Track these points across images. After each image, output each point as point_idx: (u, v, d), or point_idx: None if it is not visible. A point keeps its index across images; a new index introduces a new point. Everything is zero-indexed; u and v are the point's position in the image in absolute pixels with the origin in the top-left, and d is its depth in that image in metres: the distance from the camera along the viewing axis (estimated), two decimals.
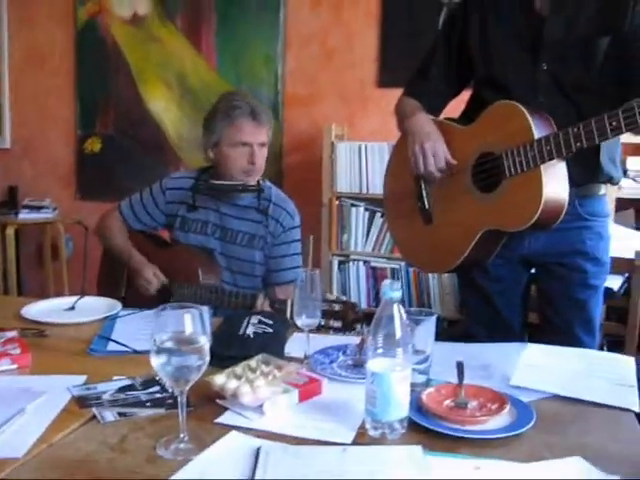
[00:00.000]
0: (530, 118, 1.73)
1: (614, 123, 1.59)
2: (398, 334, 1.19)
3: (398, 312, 1.19)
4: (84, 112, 4.33)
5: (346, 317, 1.84)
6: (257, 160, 2.26)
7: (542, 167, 1.71)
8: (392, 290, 1.19)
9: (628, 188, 3.26)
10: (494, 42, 1.91)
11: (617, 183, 1.98)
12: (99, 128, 4.30)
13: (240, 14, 3.99)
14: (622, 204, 3.34)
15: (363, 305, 3.66)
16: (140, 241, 2.42)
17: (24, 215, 4.18)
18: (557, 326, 1.98)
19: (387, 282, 1.20)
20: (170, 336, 1.10)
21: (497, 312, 2.04)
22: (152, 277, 2.28)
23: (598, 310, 1.99)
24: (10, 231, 4.08)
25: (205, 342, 1.11)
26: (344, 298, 1.89)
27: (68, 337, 1.75)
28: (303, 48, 3.96)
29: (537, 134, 1.72)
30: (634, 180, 3.32)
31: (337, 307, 1.83)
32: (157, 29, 4.14)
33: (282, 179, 3.90)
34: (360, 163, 3.57)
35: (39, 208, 4.24)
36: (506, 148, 1.77)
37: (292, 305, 1.90)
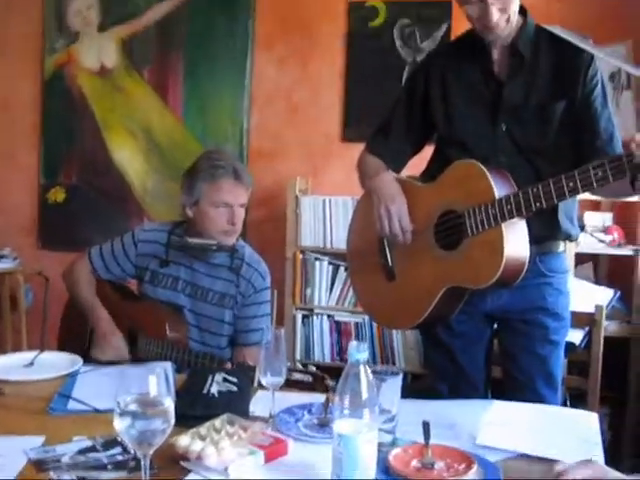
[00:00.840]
0: (490, 177, 1.78)
1: (571, 184, 1.64)
2: (365, 395, 1.19)
3: (364, 374, 1.19)
4: (48, 161, 4.28)
5: (316, 389, 1.81)
6: (237, 221, 2.25)
7: (503, 225, 1.75)
8: (358, 352, 1.20)
9: (586, 243, 3.33)
10: (455, 102, 1.97)
11: (575, 240, 2.04)
12: (63, 178, 4.26)
13: (207, 68, 4.03)
14: (581, 258, 3.41)
15: (327, 359, 3.64)
16: (107, 291, 2.38)
17: None
18: (519, 381, 2.00)
19: (354, 344, 1.20)
20: (134, 398, 1.09)
21: (460, 368, 2.06)
22: (112, 349, 2.21)
23: (559, 365, 2.03)
24: None
25: (170, 404, 1.09)
26: (313, 369, 1.88)
27: (26, 395, 1.71)
28: (268, 103, 4.00)
29: (498, 193, 1.76)
30: (591, 235, 3.40)
31: (306, 379, 1.83)
32: (124, 80, 4.16)
33: (246, 233, 3.88)
34: (324, 217, 3.59)
35: None
36: (468, 207, 1.80)
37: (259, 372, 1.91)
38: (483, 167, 1.79)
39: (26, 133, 4.34)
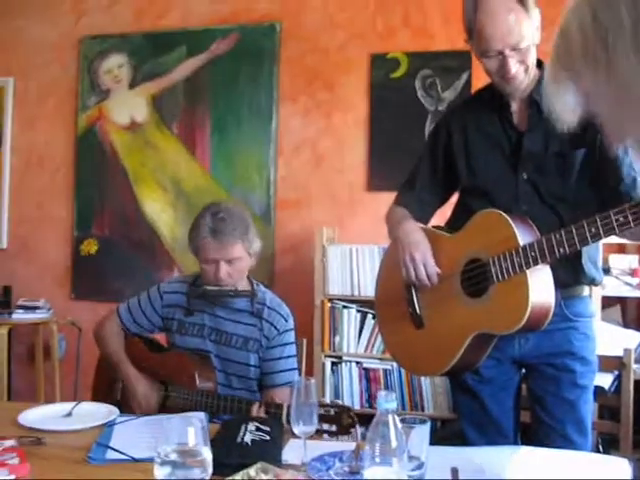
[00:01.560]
0: (514, 226, 1.82)
1: (593, 230, 1.68)
2: (394, 443, 1.22)
3: (393, 422, 1.23)
4: (81, 214, 4.41)
5: (341, 421, 1.86)
6: (221, 276, 2.28)
7: (528, 272, 1.79)
8: (387, 402, 1.24)
9: (613, 286, 3.34)
10: (476, 153, 2.03)
11: (599, 284, 2.06)
12: (95, 230, 4.38)
13: (234, 121, 4.16)
14: (607, 302, 3.41)
15: (356, 406, 3.64)
16: (137, 345, 2.45)
17: (18, 315, 4.18)
18: (549, 426, 2.00)
19: (382, 394, 1.24)
20: (174, 448, 1.13)
21: (489, 414, 2.07)
22: (145, 402, 2.29)
23: (588, 410, 2.03)
24: (3, 331, 4.08)
25: (208, 454, 1.14)
26: (339, 402, 1.92)
27: (66, 445, 1.76)
28: (294, 154, 4.11)
29: (522, 241, 1.80)
30: (617, 278, 3.40)
31: (332, 411, 1.86)
32: (153, 135, 4.30)
33: (274, 282, 3.96)
34: (351, 265, 3.64)
35: (33, 308, 4.25)
36: (492, 255, 1.85)
37: (288, 409, 1.95)
38: (506, 215, 1.84)
39: (60, 187, 4.49)
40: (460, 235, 2.00)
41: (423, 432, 1.43)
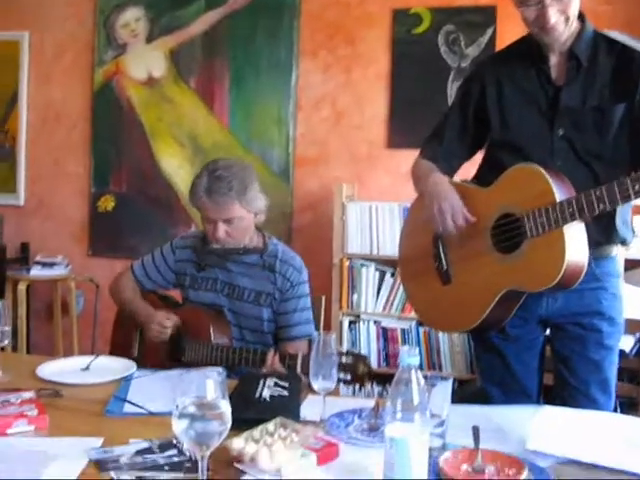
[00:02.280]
0: (551, 181, 1.77)
1: (637, 186, 1.61)
2: (416, 400, 1.20)
3: (416, 378, 1.21)
4: (98, 170, 4.40)
5: (356, 370, 1.86)
6: (220, 236, 2.24)
7: (564, 228, 1.74)
8: (409, 356, 1.21)
9: (636, 248, 3.27)
10: (511, 108, 1.97)
11: (629, 244, 2.01)
12: (112, 186, 4.37)
13: (253, 76, 4.10)
14: (630, 264, 3.35)
15: (374, 365, 3.63)
16: (152, 302, 2.44)
17: (36, 272, 4.20)
18: (573, 387, 1.98)
19: (405, 348, 1.22)
20: (192, 401, 1.12)
21: (513, 374, 2.05)
22: (164, 320, 2.27)
23: (613, 371, 2.00)
24: (22, 287, 4.11)
25: (227, 407, 1.12)
26: (355, 351, 1.91)
27: (84, 398, 1.76)
28: (314, 110, 4.04)
29: (558, 196, 1.75)
30: None
31: (348, 359, 1.85)
32: (171, 90, 4.25)
33: (291, 239, 3.94)
34: (370, 223, 3.61)
35: (51, 265, 4.26)
36: (527, 209, 1.80)
37: (303, 359, 1.95)
38: (543, 170, 1.79)
39: (77, 143, 4.46)
40: (492, 189, 1.94)
41: (445, 390, 1.41)
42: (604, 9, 3.41)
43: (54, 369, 1.97)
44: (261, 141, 4.09)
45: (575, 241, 1.76)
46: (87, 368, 2.03)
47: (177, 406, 1.11)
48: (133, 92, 4.31)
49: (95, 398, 1.75)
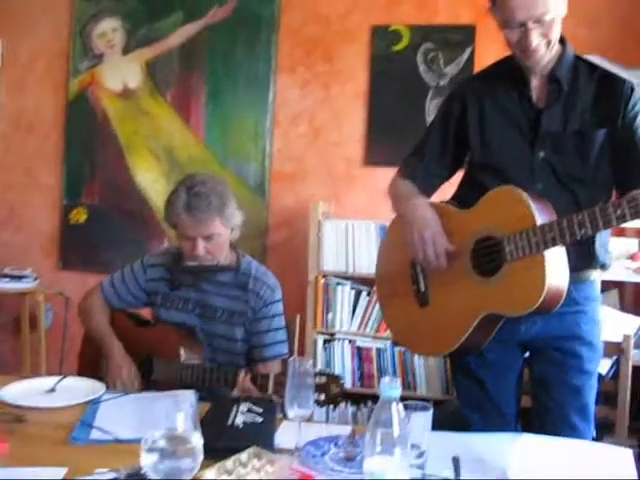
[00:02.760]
0: (532, 204, 1.75)
1: (619, 212, 1.60)
2: (396, 433, 1.15)
3: (397, 411, 1.16)
4: (71, 182, 4.30)
5: (329, 390, 1.85)
6: (199, 253, 2.20)
7: (545, 253, 1.72)
8: (391, 388, 1.17)
9: (611, 269, 3.26)
10: (492, 129, 1.95)
11: (608, 268, 2.00)
12: (85, 198, 4.28)
13: (230, 90, 4.05)
14: (605, 285, 3.35)
15: (348, 385, 3.58)
16: (122, 320, 2.39)
17: (3, 284, 4.08)
18: (552, 411, 1.95)
19: (386, 380, 1.17)
20: (162, 434, 1.06)
21: (491, 398, 2.02)
22: (126, 381, 2.21)
23: (592, 396, 1.98)
24: None
25: (198, 442, 1.07)
26: (328, 370, 1.89)
27: (48, 423, 1.69)
28: (291, 125, 4.01)
29: (539, 220, 1.73)
30: (617, 261, 3.34)
31: (321, 380, 1.83)
32: (147, 102, 4.18)
33: (266, 256, 3.89)
34: (346, 241, 3.57)
35: (19, 278, 4.16)
36: (508, 233, 1.78)
37: (274, 379, 1.92)
38: (524, 193, 1.77)
39: (49, 153, 4.37)
40: (472, 211, 1.92)
41: (425, 419, 1.37)
42: (583, 33, 3.43)
43: (17, 391, 1.89)
44: (237, 156, 4.04)
45: (556, 266, 1.74)
46: (53, 390, 1.96)
47: (146, 439, 1.06)
48: (108, 103, 4.24)
49: (60, 423, 1.68)
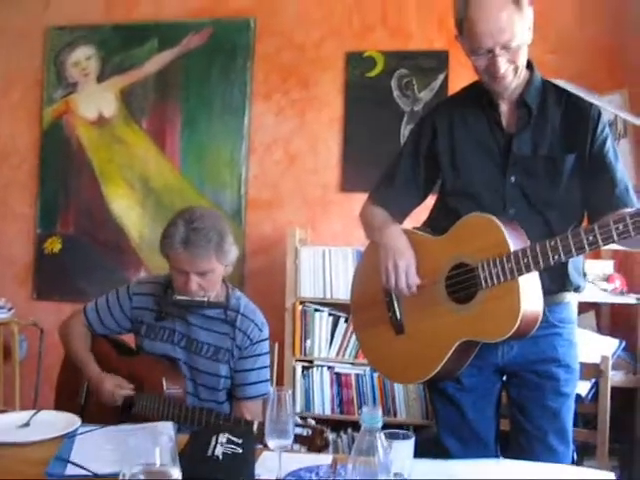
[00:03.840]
0: (505, 230, 1.76)
1: (590, 238, 1.62)
2: (378, 463, 1.14)
3: (379, 441, 1.15)
4: (45, 211, 4.27)
5: (314, 443, 1.82)
6: (192, 288, 2.17)
7: (519, 279, 1.72)
8: (372, 418, 1.15)
9: (587, 292, 3.29)
10: (463, 154, 1.96)
11: (582, 291, 2.01)
12: (60, 228, 4.24)
13: (205, 117, 4.05)
14: (582, 307, 3.38)
15: (327, 412, 3.57)
16: (104, 347, 2.35)
17: None
18: (531, 435, 1.94)
19: (366, 409, 1.16)
20: (140, 469, 1.03)
21: (469, 423, 2.00)
22: (114, 389, 2.19)
23: (570, 418, 1.97)
24: None
25: (177, 475, 1.04)
26: (312, 422, 1.87)
27: (22, 458, 1.65)
28: (267, 152, 4.02)
29: (512, 246, 1.74)
30: (593, 283, 3.37)
31: (305, 432, 1.81)
32: (122, 130, 4.17)
33: (244, 283, 3.87)
34: (324, 268, 3.56)
35: None
36: (481, 259, 1.78)
37: (259, 426, 1.87)
38: (497, 220, 1.77)
39: (23, 182, 4.34)
40: (445, 238, 1.92)
41: (407, 448, 1.36)
42: (550, 58, 3.48)
43: None
44: (213, 183, 4.04)
45: (530, 291, 1.74)
46: (27, 424, 1.91)
47: (124, 474, 1.03)
48: (83, 132, 4.22)
49: (35, 458, 1.63)
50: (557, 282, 1.89)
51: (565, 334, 1.95)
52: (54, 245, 4.25)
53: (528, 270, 1.70)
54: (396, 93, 3.84)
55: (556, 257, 1.67)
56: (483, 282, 1.77)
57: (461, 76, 3.41)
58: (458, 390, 1.99)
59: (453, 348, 1.83)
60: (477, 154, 1.93)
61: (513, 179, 1.88)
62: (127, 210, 4.14)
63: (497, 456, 2.01)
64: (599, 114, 1.84)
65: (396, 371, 2.07)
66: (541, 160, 1.86)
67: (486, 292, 1.77)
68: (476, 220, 1.83)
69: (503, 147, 1.89)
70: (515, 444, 1.97)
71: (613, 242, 1.61)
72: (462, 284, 1.84)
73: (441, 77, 3.78)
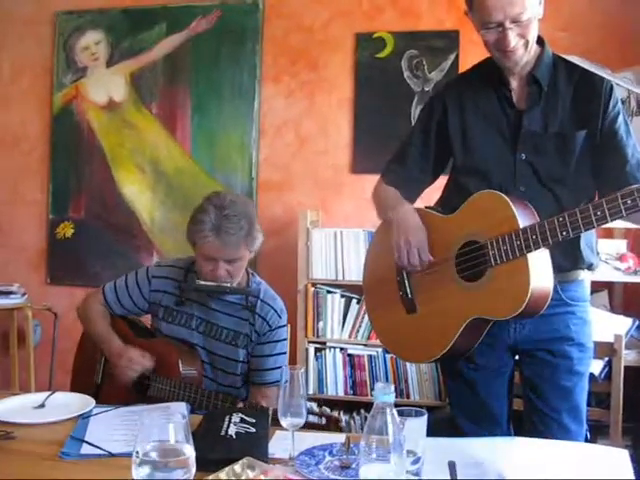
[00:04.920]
0: (514, 207, 1.75)
1: (599, 213, 1.61)
2: (391, 439, 1.14)
3: (391, 416, 1.15)
4: (57, 196, 4.28)
5: (330, 431, 1.81)
6: (220, 275, 2.16)
7: (528, 256, 1.72)
8: (384, 394, 1.15)
9: (601, 271, 3.29)
10: (473, 132, 1.95)
11: (595, 269, 2.00)
12: (72, 213, 4.25)
13: (215, 101, 4.04)
14: (595, 286, 3.36)
15: (340, 393, 3.58)
16: (121, 327, 2.35)
17: None
18: (544, 414, 1.94)
19: (380, 385, 1.16)
20: (153, 446, 1.04)
21: (482, 402, 2.01)
22: (138, 356, 2.18)
23: (584, 397, 1.97)
24: None
25: (191, 453, 1.05)
26: (327, 411, 1.87)
27: (38, 439, 1.66)
28: (277, 135, 4.00)
29: (522, 223, 1.73)
30: (606, 262, 3.35)
31: (320, 421, 1.82)
32: (132, 115, 4.17)
33: (256, 266, 3.86)
34: (335, 249, 3.56)
35: (7, 293, 4.12)
36: (490, 237, 1.77)
37: (274, 413, 1.86)
38: (506, 197, 1.77)
39: (35, 168, 4.35)
40: (456, 217, 1.91)
41: (420, 425, 1.36)
42: (561, 36, 3.45)
43: (6, 407, 1.85)
44: (224, 167, 4.03)
45: (539, 268, 1.74)
46: (42, 405, 1.92)
47: (137, 452, 1.04)
48: (93, 116, 4.23)
49: (50, 439, 1.65)
50: (569, 259, 1.88)
51: (578, 312, 1.94)
52: (66, 230, 4.27)
53: (537, 247, 1.70)
54: (406, 74, 3.81)
55: (564, 233, 1.67)
56: (492, 259, 1.77)
57: (472, 56, 3.36)
58: (470, 369, 2.00)
59: (463, 326, 1.83)
60: (487, 131, 1.92)
61: (523, 156, 1.87)
62: (138, 194, 4.15)
63: (510, 435, 2.01)
64: (611, 89, 1.82)
65: (408, 350, 2.08)
66: (552, 137, 1.85)
67: (495, 269, 1.77)
68: (486, 197, 1.83)
69: (513, 124, 1.88)
70: (529, 423, 1.97)
71: (622, 217, 1.60)
72: (472, 262, 1.84)
73: (452, 57, 3.75)
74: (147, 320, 2.44)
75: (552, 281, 1.75)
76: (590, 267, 1.95)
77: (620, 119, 1.83)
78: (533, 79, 1.86)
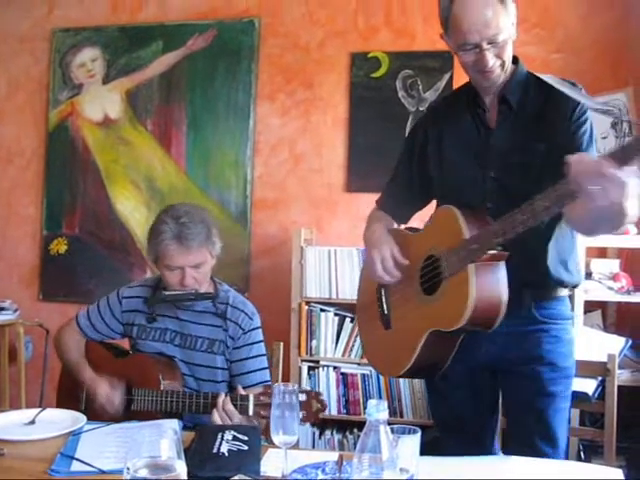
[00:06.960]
0: (462, 219, 1.77)
1: (527, 215, 1.62)
2: (385, 456, 1.13)
3: (384, 433, 1.15)
4: (51, 212, 4.28)
5: (310, 407, 1.88)
6: (188, 281, 2.21)
7: (471, 266, 1.71)
8: (378, 411, 1.15)
9: (593, 290, 3.29)
10: (448, 152, 1.97)
11: (572, 286, 1.96)
12: (65, 229, 4.25)
13: (210, 119, 4.06)
14: (589, 306, 3.37)
15: (334, 412, 3.56)
16: (99, 351, 2.37)
17: None
18: (516, 436, 1.93)
19: (373, 402, 1.16)
20: (145, 462, 1.03)
21: (461, 420, 2.00)
22: (109, 392, 2.20)
23: (560, 419, 1.91)
24: None
25: (182, 469, 1.04)
26: (307, 388, 1.89)
27: (27, 456, 1.65)
28: (272, 153, 4.02)
29: (468, 234, 1.75)
30: (599, 282, 3.36)
31: (301, 397, 1.84)
32: (127, 131, 4.18)
33: (249, 284, 3.87)
34: (329, 268, 3.55)
35: None
36: (444, 250, 1.81)
37: (254, 400, 1.96)
38: (455, 209, 1.79)
39: (29, 184, 4.35)
40: (422, 233, 1.98)
41: (413, 442, 1.35)
42: (555, 57, 3.48)
43: None
44: (218, 184, 4.04)
45: (485, 278, 1.72)
46: (32, 422, 1.91)
47: (128, 468, 1.03)
48: (88, 133, 4.23)
49: (40, 456, 1.63)
50: (535, 274, 1.85)
51: (553, 331, 1.89)
52: (60, 246, 4.26)
53: (479, 255, 1.70)
54: (401, 93, 3.84)
55: (499, 239, 1.68)
56: (445, 272, 1.80)
57: (466, 76, 3.41)
58: (448, 386, 1.99)
59: (423, 339, 1.82)
60: (461, 151, 1.94)
61: (492, 174, 1.88)
62: (132, 211, 4.15)
63: (494, 453, 2.00)
64: (575, 108, 1.80)
65: (383, 364, 2.11)
66: (517, 153, 1.85)
67: (448, 281, 1.79)
68: (441, 212, 1.90)
69: (484, 143, 1.90)
70: (507, 445, 1.96)
71: (558, 210, 1.58)
72: (431, 275, 1.86)
73: (446, 77, 3.77)
74: (125, 344, 2.45)
75: (504, 292, 1.72)
76: (562, 284, 1.90)
77: (583, 133, 1.80)
78: (503, 98, 1.87)
